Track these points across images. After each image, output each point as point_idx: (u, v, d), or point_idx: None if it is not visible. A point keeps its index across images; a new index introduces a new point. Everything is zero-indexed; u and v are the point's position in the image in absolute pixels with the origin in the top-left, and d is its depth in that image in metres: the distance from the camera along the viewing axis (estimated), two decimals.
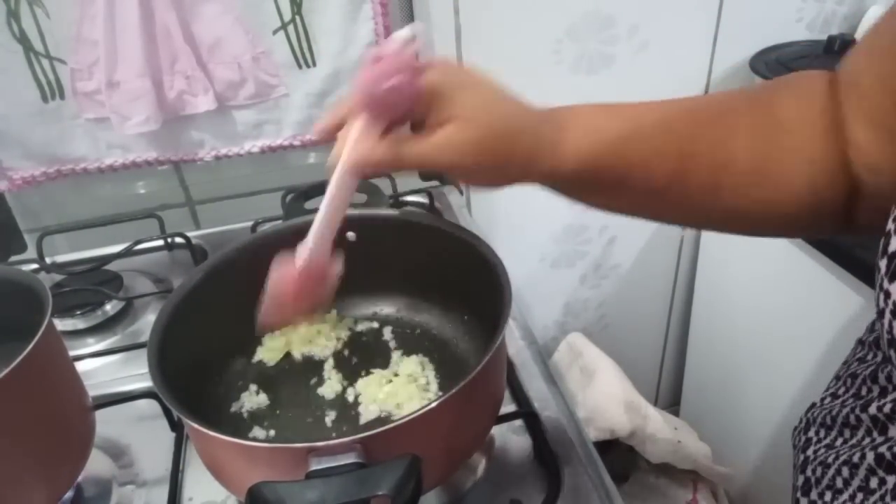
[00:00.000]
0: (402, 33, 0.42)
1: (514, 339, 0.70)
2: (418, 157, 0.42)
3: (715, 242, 1.18)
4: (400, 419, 0.41)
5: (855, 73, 0.42)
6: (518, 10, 0.93)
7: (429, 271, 0.61)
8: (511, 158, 0.43)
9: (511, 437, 0.60)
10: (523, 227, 1.12)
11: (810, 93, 0.43)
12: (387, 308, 0.66)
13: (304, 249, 0.49)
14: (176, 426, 0.62)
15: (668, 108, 0.46)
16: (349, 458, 0.39)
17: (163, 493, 0.56)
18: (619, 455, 1.02)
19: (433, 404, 0.41)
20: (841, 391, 0.48)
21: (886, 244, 0.35)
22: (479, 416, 0.50)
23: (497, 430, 0.60)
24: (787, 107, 0.43)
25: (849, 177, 0.42)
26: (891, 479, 0.38)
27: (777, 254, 0.97)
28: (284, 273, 0.50)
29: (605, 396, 1.00)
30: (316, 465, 0.39)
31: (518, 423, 0.61)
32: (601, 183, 0.45)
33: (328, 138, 0.46)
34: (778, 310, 1.02)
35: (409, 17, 0.88)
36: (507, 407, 0.62)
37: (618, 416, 0.97)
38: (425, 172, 0.44)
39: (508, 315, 0.47)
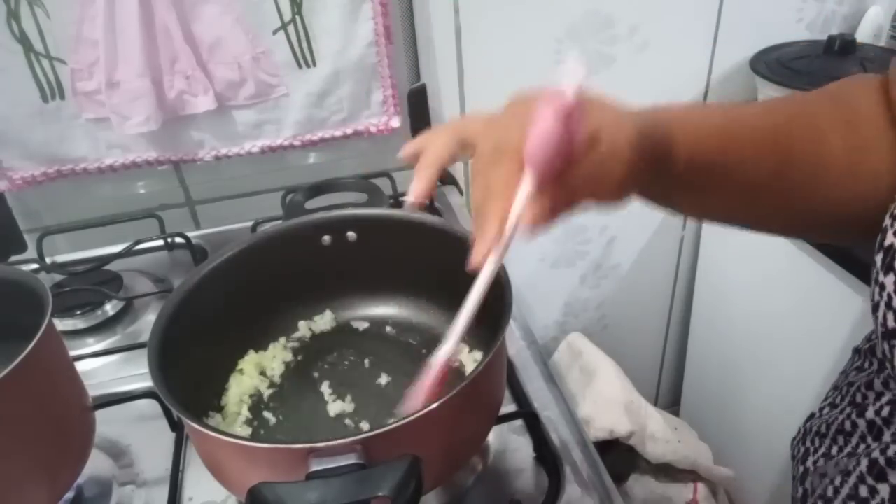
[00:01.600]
0: (573, 73, 0.34)
1: (514, 339, 0.70)
2: (585, 191, 0.38)
3: (715, 242, 1.18)
4: (400, 420, 0.41)
5: None
6: (518, 10, 0.93)
7: (429, 271, 0.61)
8: (640, 161, 0.39)
9: (511, 437, 0.60)
10: None
11: (875, 90, 0.44)
12: (387, 308, 0.66)
13: (451, 344, 0.41)
14: (176, 426, 0.62)
15: (762, 107, 0.46)
16: (349, 459, 0.39)
17: (163, 493, 0.56)
18: (619, 455, 1.02)
19: (433, 405, 0.41)
20: (838, 400, 0.48)
21: (882, 239, 0.36)
22: (479, 417, 0.50)
23: (497, 430, 0.60)
24: (864, 102, 0.44)
25: None
26: (883, 489, 0.38)
27: (777, 254, 0.97)
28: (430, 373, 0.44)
29: (604, 396, 1.00)
30: (316, 466, 0.39)
31: (518, 423, 0.61)
32: (705, 181, 0.43)
33: (412, 161, 0.44)
34: (778, 310, 1.02)
35: (410, 17, 0.88)
36: (507, 407, 0.62)
37: (618, 416, 0.97)
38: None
39: (509, 316, 0.47)
